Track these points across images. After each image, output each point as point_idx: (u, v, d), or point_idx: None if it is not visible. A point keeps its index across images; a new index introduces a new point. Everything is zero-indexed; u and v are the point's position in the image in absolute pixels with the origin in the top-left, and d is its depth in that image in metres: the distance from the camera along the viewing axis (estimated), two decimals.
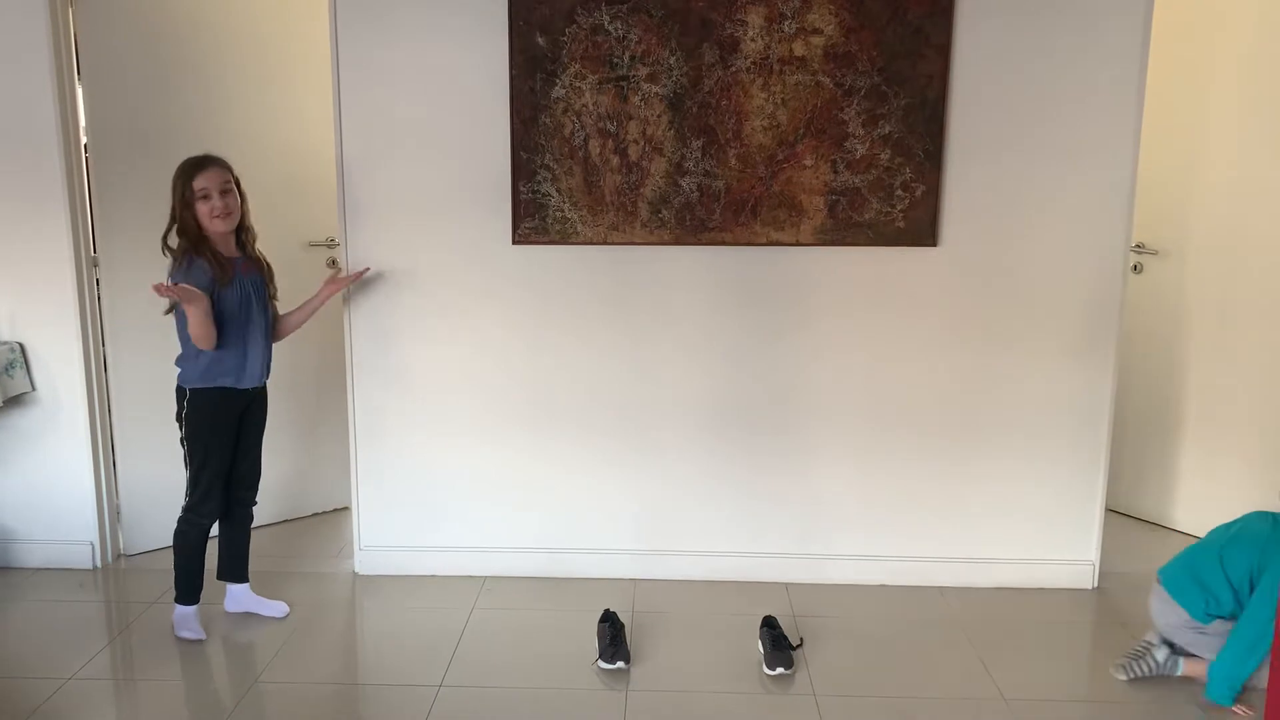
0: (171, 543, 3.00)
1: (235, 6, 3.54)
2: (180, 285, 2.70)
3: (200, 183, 2.79)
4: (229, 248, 2.89)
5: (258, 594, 3.15)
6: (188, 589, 2.99)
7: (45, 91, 3.20)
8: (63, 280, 3.31)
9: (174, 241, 2.86)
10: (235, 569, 3.14)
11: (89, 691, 2.69)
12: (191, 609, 3.00)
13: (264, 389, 3.04)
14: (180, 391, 2.92)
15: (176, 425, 2.94)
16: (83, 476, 3.43)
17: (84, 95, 3.31)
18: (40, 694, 2.66)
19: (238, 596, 3.14)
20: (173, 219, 2.84)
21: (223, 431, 2.95)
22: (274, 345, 3.02)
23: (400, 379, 3.31)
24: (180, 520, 2.97)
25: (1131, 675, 2.75)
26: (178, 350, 2.85)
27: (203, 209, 2.80)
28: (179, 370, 2.91)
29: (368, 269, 3.20)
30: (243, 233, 2.93)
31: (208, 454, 2.92)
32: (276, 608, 3.13)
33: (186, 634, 2.98)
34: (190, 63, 3.47)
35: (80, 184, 3.33)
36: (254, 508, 3.13)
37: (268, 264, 3.02)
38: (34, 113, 3.22)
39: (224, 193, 2.83)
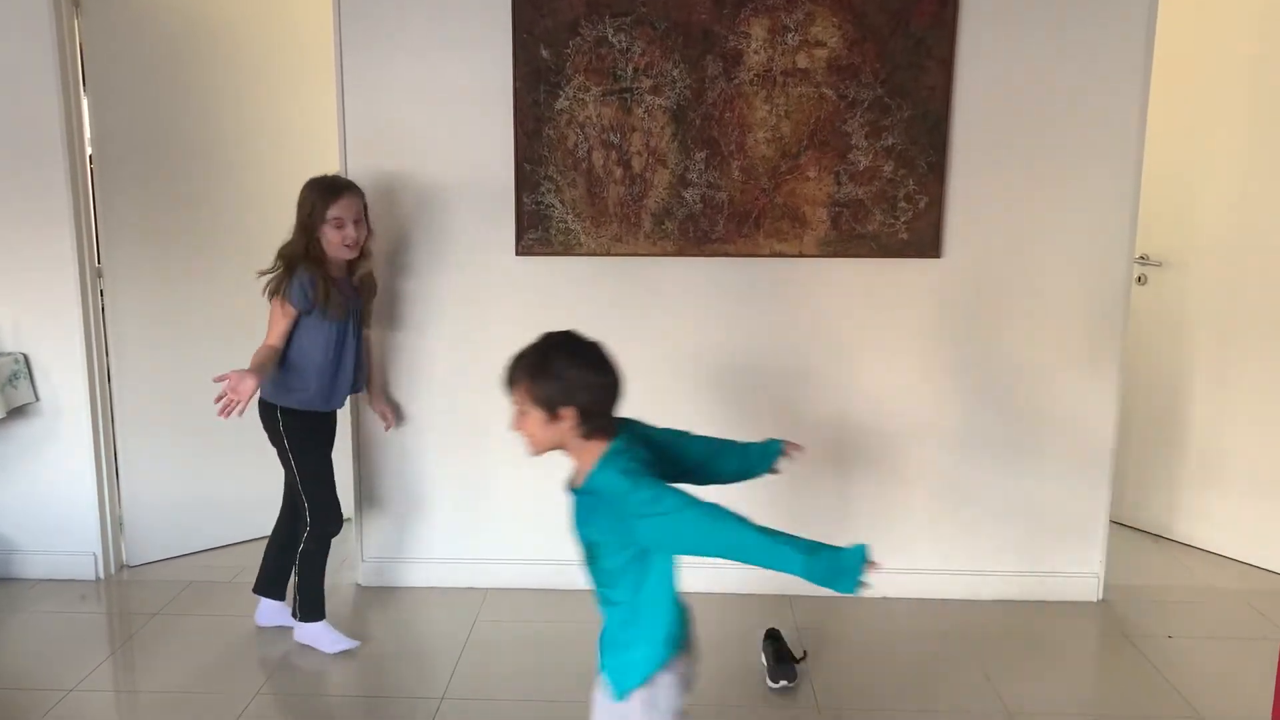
0: (297, 563, 2.95)
1: (240, 19, 3.56)
2: (231, 376, 2.52)
3: (335, 211, 2.75)
4: (339, 269, 2.86)
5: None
6: (316, 605, 2.98)
7: (51, 103, 3.21)
8: (67, 291, 3.31)
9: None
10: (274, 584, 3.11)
11: (91, 704, 2.69)
12: (324, 623, 2.98)
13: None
14: (268, 408, 2.84)
15: (274, 445, 2.87)
16: (85, 487, 3.43)
17: (89, 107, 3.32)
18: (42, 706, 2.65)
19: (271, 611, 3.10)
20: (298, 235, 2.77)
21: (320, 445, 2.92)
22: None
23: (403, 390, 3.31)
24: (305, 539, 2.92)
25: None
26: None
27: (333, 237, 2.76)
28: (269, 387, 2.79)
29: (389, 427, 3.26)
30: (359, 259, 2.88)
31: (313, 467, 2.88)
32: None
33: (341, 646, 2.96)
34: (195, 75, 3.49)
35: (85, 195, 3.33)
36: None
37: (372, 286, 3.00)
38: (39, 124, 3.23)
39: (356, 222, 2.80)
